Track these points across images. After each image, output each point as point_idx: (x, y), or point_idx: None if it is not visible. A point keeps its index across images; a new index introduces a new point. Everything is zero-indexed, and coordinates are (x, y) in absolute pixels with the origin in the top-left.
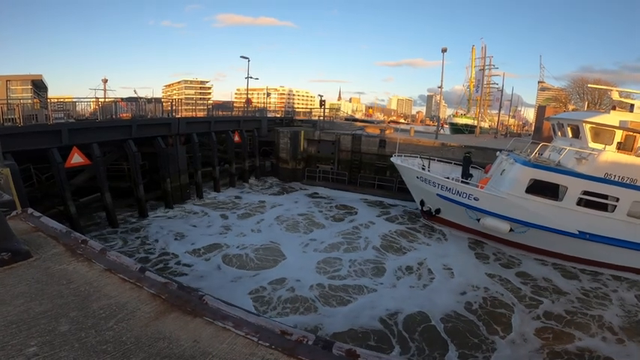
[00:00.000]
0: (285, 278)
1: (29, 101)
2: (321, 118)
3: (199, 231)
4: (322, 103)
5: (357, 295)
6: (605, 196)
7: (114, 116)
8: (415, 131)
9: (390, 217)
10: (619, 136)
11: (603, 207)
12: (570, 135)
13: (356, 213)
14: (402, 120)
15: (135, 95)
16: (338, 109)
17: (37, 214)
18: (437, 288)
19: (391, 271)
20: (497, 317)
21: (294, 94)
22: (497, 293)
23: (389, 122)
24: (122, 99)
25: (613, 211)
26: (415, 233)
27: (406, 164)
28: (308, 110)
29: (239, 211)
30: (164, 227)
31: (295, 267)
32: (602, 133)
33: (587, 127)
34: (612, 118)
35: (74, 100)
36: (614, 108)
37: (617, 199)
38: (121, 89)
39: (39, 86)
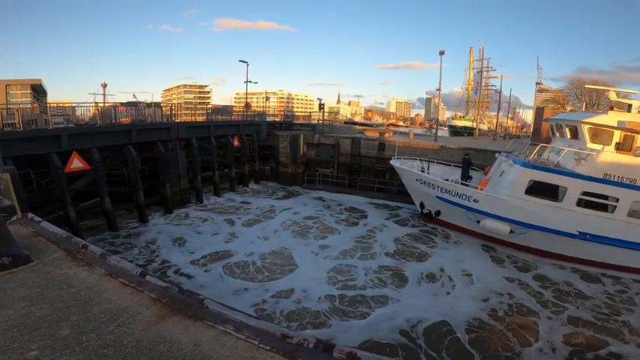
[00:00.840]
0: (294, 289)
1: (29, 106)
2: (321, 121)
3: (203, 237)
4: (321, 106)
5: (375, 305)
6: (605, 197)
7: (113, 121)
8: (414, 134)
9: (400, 220)
10: (617, 136)
11: (603, 207)
12: (569, 136)
13: (366, 217)
14: (400, 123)
15: (134, 100)
16: (337, 113)
17: (37, 219)
18: (458, 295)
19: (410, 278)
20: (522, 325)
21: (293, 98)
22: (519, 299)
23: (388, 125)
24: (122, 103)
25: (613, 211)
26: (430, 236)
27: (406, 167)
28: (307, 114)
29: (245, 217)
30: (164, 233)
31: (306, 276)
32: (600, 134)
33: (585, 128)
34: (610, 118)
35: (74, 104)
36: (611, 108)
37: (617, 200)
38: (120, 94)
39: (38, 91)
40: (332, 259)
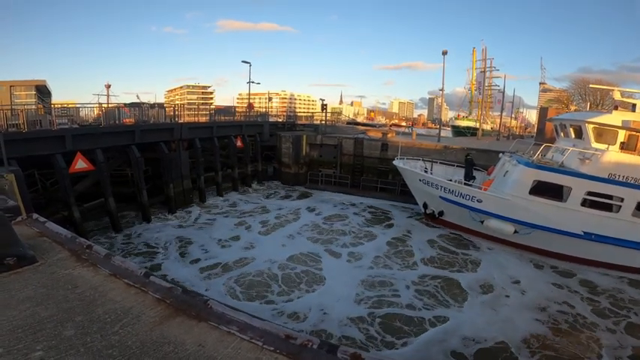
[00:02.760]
0: (320, 307)
1: (33, 107)
2: (323, 122)
3: (209, 239)
4: (324, 107)
5: (419, 327)
6: (610, 197)
7: (117, 122)
8: (417, 134)
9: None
10: (622, 135)
11: (608, 207)
12: (573, 135)
13: (390, 218)
14: (403, 123)
15: (138, 100)
16: (340, 113)
17: (42, 219)
18: (513, 306)
19: (459, 289)
20: (586, 339)
21: (295, 99)
22: (574, 308)
23: (390, 126)
24: (125, 104)
25: (618, 211)
26: (462, 239)
27: (409, 167)
28: (310, 114)
29: (254, 218)
30: (167, 234)
31: (335, 290)
32: (604, 133)
33: (589, 128)
34: (615, 118)
35: (78, 105)
36: (616, 108)
37: (622, 200)
38: (124, 94)
39: (43, 92)
40: (365, 269)
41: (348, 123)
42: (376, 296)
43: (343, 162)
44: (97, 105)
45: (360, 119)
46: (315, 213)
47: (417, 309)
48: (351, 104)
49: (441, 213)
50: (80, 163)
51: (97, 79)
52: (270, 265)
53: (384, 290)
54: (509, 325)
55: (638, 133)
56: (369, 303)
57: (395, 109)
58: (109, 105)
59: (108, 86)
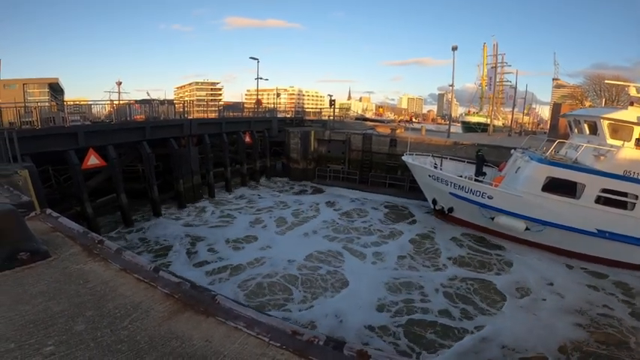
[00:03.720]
0: (342, 311)
1: (46, 104)
2: (331, 117)
3: (222, 242)
4: (332, 102)
5: (454, 333)
6: (625, 194)
7: (128, 118)
8: (426, 130)
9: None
10: (638, 132)
11: (623, 205)
12: (587, 132)
13: (411, 215)
14: (413, 119)
15: (148, 97)
16: (348, 109)
17: (55, 214)
18: (552, 310)
19: (492, 292)
20: (631, 344)
21: (303, 95)
22: (611, 310)
23: (399, 122)
24: (136, 101)
25: (633, 209)
26: (492, 238)
27: (418, 163)
28: (318, 110)
29: (269, 215)
30: (178, 231)
31: (359, 294)
32: (620, 130)
33: (605, 124)
34: (630, 113)
35: (90, 102)
36: (632, 104)
37: (637, 197)
38: (134, 91)
39: (56, 89)
40: (390, 270)
41: (357, 119)
42: (402, 301)
43: (351, 158)
44: (109, 102)
45: (368, 115)
46: (334, 209)
47: (448, 315)
48: (360, 100)
49: (451, 209)
50: (92, 160)
51: (109, 77)
52: (288, 266)
53: (411, 294)
54: (551, 332)
55: None
56: (394, 309)
57: (404, 105)
58: (120, 102)
59: (119, 83)
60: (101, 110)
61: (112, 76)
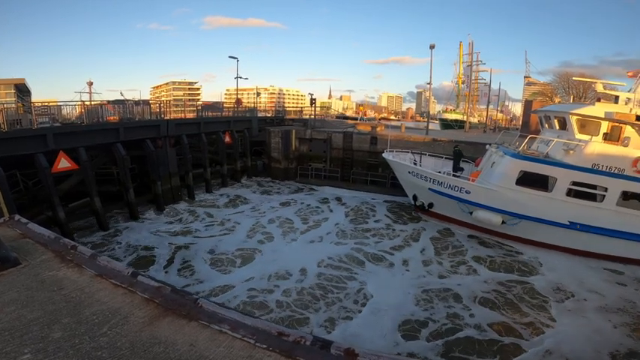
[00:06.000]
0: (366, 337)
1: (13, 106)
2: (312, 116)
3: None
4: (313, 101)
5: (509, 348)
6: (594, 186)
7: (100, 119)
8: (406, 127)
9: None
10: (605, 127)
11: (592, 197)
12: (557, 127)
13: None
14: (392, 117)
15: (122, 98)
16: (329, 108)
17: (24, 220)
18: (598, 311)
19: (536, 298)
20: None
21: (284, 94)
22: None
23: (379, 119)
24: (109, 102)
25: (602, 200)
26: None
27: (398, 160)
28: (299, 109)
29: (251, 212)
30: (156, 234)
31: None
32: (588, 125)
33: (573, 119)
34: (598, 109)
35: (59, 103)
36: (599, 100)
37: (606, 189)
38: (107, 92)
39: (22, 90)
40: (415, 279)
41: (337, 117)
42: (438, 315)
43: (333, 156)
44: (79, 103)
45: (349, 113)
46: (343, 207)
47: (494, 326)
48: (340, 98)
49: (431, 205)
50: (63, 162)
51: (79, 77)
52: (300, 277)
53: (448, 308)
54: (603, 336)
55: (620, 125)
56: (436, 327)
57: (384, 103)
58: (92, 103)
59: (90, 84)
60: (72, 111)
61: (82, 76)
